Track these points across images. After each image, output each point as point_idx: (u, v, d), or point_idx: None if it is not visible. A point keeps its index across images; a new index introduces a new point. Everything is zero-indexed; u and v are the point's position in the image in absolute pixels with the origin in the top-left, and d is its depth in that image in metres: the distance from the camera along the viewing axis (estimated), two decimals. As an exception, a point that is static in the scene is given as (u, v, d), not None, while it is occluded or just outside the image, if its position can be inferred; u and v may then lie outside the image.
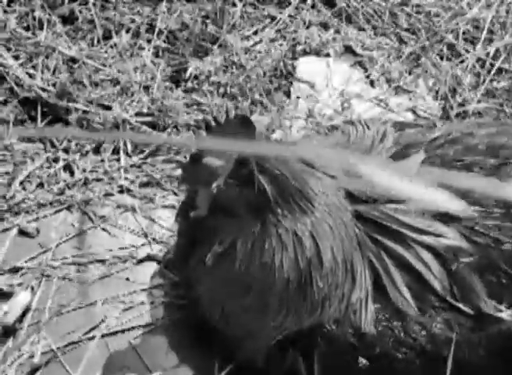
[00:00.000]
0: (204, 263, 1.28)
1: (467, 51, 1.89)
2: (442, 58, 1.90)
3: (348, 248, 1.25)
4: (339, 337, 1.26)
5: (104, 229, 1.58)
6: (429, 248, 1.26)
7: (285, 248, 1.22)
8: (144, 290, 1.49)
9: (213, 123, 1.22)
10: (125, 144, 1.70)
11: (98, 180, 1.65)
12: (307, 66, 1.91)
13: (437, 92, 1.85)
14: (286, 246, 1.22)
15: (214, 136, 1.21)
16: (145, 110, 1.75)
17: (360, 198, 1.28)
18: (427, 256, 1.27)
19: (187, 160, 1.26)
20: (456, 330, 1.24)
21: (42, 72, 1.76)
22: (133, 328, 1.44)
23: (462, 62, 1.89)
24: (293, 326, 1.26)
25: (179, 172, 1.56)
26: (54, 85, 1.76)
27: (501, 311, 1.25)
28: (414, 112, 1.82)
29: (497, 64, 1.86)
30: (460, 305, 1.25)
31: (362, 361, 1.27)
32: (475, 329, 1.24)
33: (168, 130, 1.73)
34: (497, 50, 1.87)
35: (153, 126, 1.74)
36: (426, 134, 1.41)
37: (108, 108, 1.74)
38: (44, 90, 1.76)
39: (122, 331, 1.44)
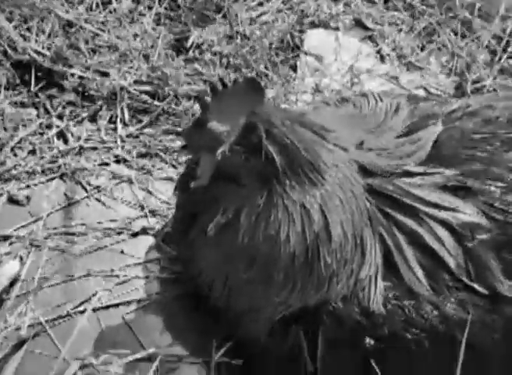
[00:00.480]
0: (206, 234, 1.23)
1: (483, 27, 1.86)
2: (456, 35, 1.86)
3: (358, 223, 1.20)
4: (345, 314, 1.21)
5: (98, 199, 1.54)
6: (444, 223, 1.21)
7: (292, 221, 1.17)
8: (138, 264, 1.45)
9: (219, 86, 1.17)
10: (122, 112, 1.66)
11: (94, 148, 1.61)
12: (314, 39, 1.87)
13: (450, 70, 1.81)
14: (293, 219, 1.17)
15: (220, 100, 1.17)
16: (144, 78, 1.70)
17: (373, 171, 1.24)
18: (441, 232, 1.22)
19: (190, 125, 1.21)
20: (470, 312, 1.19)
21: (37, 35, 1.71)
22: (126, 303, 1.40)
23: (477, 38, 1.85)
24: (298, 302, 1.21)
25: (180, 138, 1.53)
26: (49, 49, 1.71)
27: (518, 292, 1.19)
28: (425, 89, 1.77)
29: None
30: (475, 285, 1.20)
31: (369, 341, 1.21)
32: (490, 310, 1.20)
33: (168, 99, 1.68)
34: (514, 26, 1.82)
35: (152, 95, 1.69)
36: (443, 107, 1.36)
37: (106, 75, 1.70)
38: (38, 53, 1.70)
39: (115, 306, 1.39)
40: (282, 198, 1.18)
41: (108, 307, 1.39)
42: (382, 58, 1.85)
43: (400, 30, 1.88)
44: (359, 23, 1.90)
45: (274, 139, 1.17)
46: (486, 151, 1.25)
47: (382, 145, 1.26)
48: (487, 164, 1.24)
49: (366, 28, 1.90)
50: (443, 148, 1.26)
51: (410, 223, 1.22)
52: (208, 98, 1.18)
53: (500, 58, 1.80)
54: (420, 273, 1.20)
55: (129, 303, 1.40)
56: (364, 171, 1.23)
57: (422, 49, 1.85)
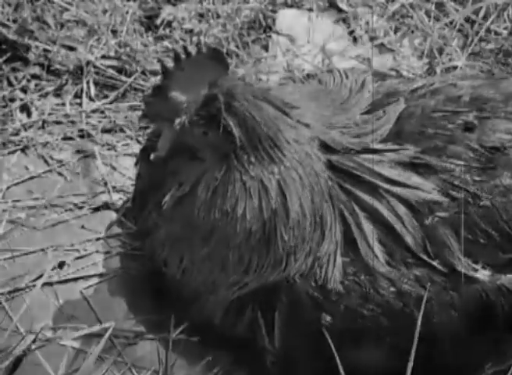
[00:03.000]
0: (161, 208, 1.22)
1: (456, 10, 1.84)
2: (429, 17, 1.82)
3: (318, 200, 1.19)
4: (302, 291, 1.20)
5: (60, 173, 1.51)
6: (403, 200, 1.20)
7: (249, 197, 1.16)
8: (99, 239, 1.43)
9: (182, 55, 1.16)
10: (88, 87, 1.62)
11: (57, 123, 1.58)
12: (287, 20, 1.83)
13: (422, 52, 1.79)
14: (251, 194, 1.16)
15: (182, 69, 1.16)
16: (112, 53, 1.67)
17: (334, 148, 1.22)
18: (401, 209, 1.20)
19: (150, 92, 1.19)
20: (427, 288, 1.17)
21: (3, 7, 1.67)
22: (85, 277, 1.38)
23: (451, 23, 1.83)
24: (254, 281, 1.20)
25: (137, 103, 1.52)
26: (14, 22, 1.67)
27: (476, 270, 1.19)
28: (397, 71, 1.75)
29: (486, 24, 1.80)
30: (433, 262, 1.18)
31: (326, 318, 1.20)
32: (448, 288, 1.18)
33: (135, 75, 1.65)
34: (487, 10, 1.81)
35: (119, 70, 1.66)
36: (408, 84, 1.35)
37: (72, 49, 1.66)
38: (3, 25, 1.67)
39: (74, 280, 1.37)
40: (240, 174, 1.16)
41: (66, 281, 1.37)
42: (355, 40, 1.83)
43: (373, 13, 1.86)
44: (333, 5, 1.86)
45: (234, 112, 1.15)
46: (447, 129, 1.23)
47: (345, 122, 1.24)
48: (447, 142, 1.22)
49: (340, 10, 1.86)
50: (404, 126, 1.24)
51: (369, 199, 1.21)
52: (171, 66, 1.16)
53: (472, 41, 1.78)
54: (378, 249, 1.19)
55: (88, 278, 1.38)
56: (326, 148, 1.21)
57: (395, 32, 1.84)
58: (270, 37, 1.78)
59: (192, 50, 1.17)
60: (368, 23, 1.82)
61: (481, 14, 1.80)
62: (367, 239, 1.20)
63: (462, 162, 1.21)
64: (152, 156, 1.21)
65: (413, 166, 1.21)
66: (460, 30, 1.81)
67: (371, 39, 1.80)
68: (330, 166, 1.20)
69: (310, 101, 1.28)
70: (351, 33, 1.83)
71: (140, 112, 1.50)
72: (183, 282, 1.24)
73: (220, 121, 1.14)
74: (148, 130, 1.48)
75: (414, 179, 1.21)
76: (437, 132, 1.23)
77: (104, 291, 1.37)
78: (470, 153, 1.21)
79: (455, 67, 1.75)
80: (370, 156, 1.22)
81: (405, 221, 1.19)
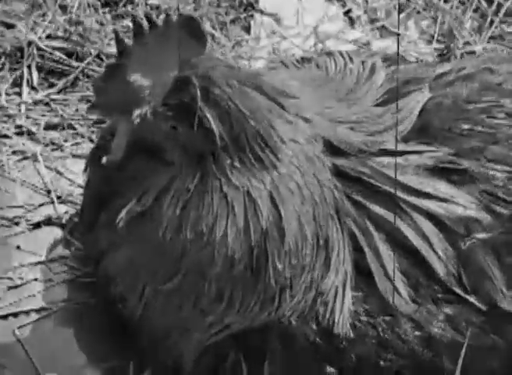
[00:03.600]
0: (115, 227, 1.08)
1: None
2: None
3: (322, 217, 1.06)
4: (300, 336, 1.05)
5: None
6: (432, 217, 1.07)
7: (232, 213, 1.03)
8: (39, 263, 1.30)
9: (145, 26, 1.03)
10: (30, 73, 1.51)
11: None
12: None
13: (432, 36, 1.67)
14: (234, 210, 1.03)
15: (145, 44, 1.03)
16: (60, 33, 1.55)
17: (343, 149, 1.09)
18: (428, 228, 1.08)
19: (103, 74, 1.06)
20: (463, 332, 1.05)
21: None
22: (20, 313, 1.24)
23: (463, 3, 1.71)
24: (237, 323, 1.05)
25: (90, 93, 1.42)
26: None
27: (525, 308, 1.07)
28: (403, 58, 1.57)
29: (507, 3, 1.67)
30: (470, 298, 1.06)
31: (331, 371, 1.05)
32: (488, 330, 1.06)
33: (89, 59, 1.54)
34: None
35: (69, 53, 1.55)
36: (430, 69, 1.21)
37: (10, 27, 1.56)
38: None
39: (5, 317, 1.24)
40: (220, 182, 1.03)
41: None
42: (352, 22, 1.72)
43: None
44: None
45: (213, 101, 1.01)
46: (487, 126, 1.11)
47: (354, 116, 1.12)
48: (487, 142, 1.10)
49: None
50: (431, 121, 1.12)
51: (387, 215, 1.07)
52: (129, 40, 1.03)
53: (492, 23, 1.66)
54: (399, 280, 1.06)
55: (23, 314, 1.25)
56: (332, 149, 1.09)
57: (399, 12, 1.73)
58: (252, 16, 1.70)
59: (158, 20, 1.04)
60: (366, 1, 1.74)
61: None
62: (385, 268, 1.06)
63: (507, 168, 1.09)
64: (104, 160, 1.08)
65: (443, 172, 1.09)
66: (475, 10, 1.70)
67: (371, 21, 1.72)
68: (337, 173, 1.08)
69: (308, 89, 1.16)
70: (347, 13, 1.74)
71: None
72: (145, 319, 1.11)
73: (195, 113, 1.01)
74: (102, 126, 1.40)
75: (446, 189, 1.08)
76: (474, 129, 1.11)
77: (45, 332, 1.23)
78: None
79: (471, 52, 1.64)
80: (388, 160, 1.09)
81: (434, 244, 1.06)
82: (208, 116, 1.01)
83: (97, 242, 1.12)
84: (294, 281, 1.04)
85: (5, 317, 1.23)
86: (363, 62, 1.21)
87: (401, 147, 1.09)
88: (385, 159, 1.08)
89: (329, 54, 1.27)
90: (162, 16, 1.04)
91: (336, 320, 1.03)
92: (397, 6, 1.72)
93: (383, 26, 1.70)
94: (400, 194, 1.06)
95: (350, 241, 1.05)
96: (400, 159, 1.08)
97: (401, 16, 1.71)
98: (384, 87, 1.16)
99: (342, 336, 1.02)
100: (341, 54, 1.25)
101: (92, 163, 1.19)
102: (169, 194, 1.05)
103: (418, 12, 1.71)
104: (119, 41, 1.02)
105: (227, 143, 1.02)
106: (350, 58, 1.23)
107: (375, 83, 1.17)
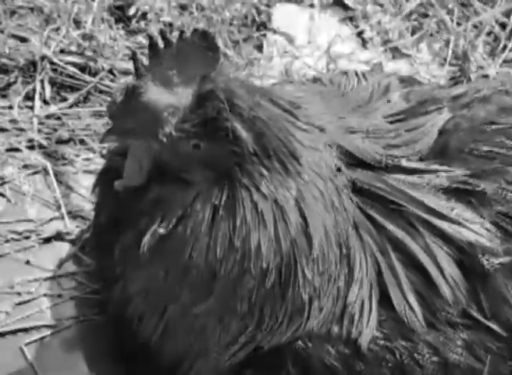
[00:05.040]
0: (138, 250, 1.03)
1: (484, 10, 1.70)
2: (452, 18, 1.70)
3: (343, 224, 1.03)
4: (316, 359, 1.00)
5: (1, 194, 1.37)
6: (447, 239, 1.04)
7: (262, 223, 0.99)
8: (49, 278, 1.28)
9: (160, 43, 1.00)
10: (42, 87, 1.50)
11: (1, 130, 1.44)
12: (285, 16, 1.72)
13: (444, 59, 1.65)
14: (264, 219, 0.99)
15: (161, 61, 1.00)
16: (73, 48, 1.54)
17: (359, 158, 1.06)
18: (444, 251, 1.04)
19: (119, 97, 1.01)
20: (481, 358, 1.01)
21: None
22: (27, 330, 1.22)
23: (476, 27, 1.69)
24: (264, 340, 1.01)
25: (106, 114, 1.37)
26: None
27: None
28: (416, 80, 1.54)
29: None
30: (489, 323, 1.03)
31: None
32: (508, 357, 1.03)
33: (101, 74, 1.52)
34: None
35: (82, 68, 1.54)
36: (445, 91, 1.19)
37: (24, 40, 1.54)
38: None
39: (12, 332, 1.22)
40: (250, 193, 0.99)
41: (3, 334, 1.21)
42: (364, 43, 1.71)
43: (386, 12, 1.74)
44: (338, 1, 1.75)
45: (238, 112, 0.98)
46: (504, 147, 1.08)
47: (367, 127, 1.10)
48: (505, 163, 1.07)
49: (346, 7, 1.75)
50: (450, 141, 1.10)
51: (403, 235, 1.03)
52: (145, 60, 1.00)
53: (505, 47, 1.63)
54: (416, 304, 1.02)
55: (31, 330, 1.22)
56: (348, 158, 1.06)
57: (412, 34, 1.70)
58: (265, 35, 1.69)
59: (172, 37, 1.01)
60: (379, 23, 1.72)
61: (514, 14, 1.72)
62: (402, 290, 1.02)
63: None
64: (118, 185, 1.04)
65: (460, 193, 1.06)
66: (488, 34, 1.68)
67: (384, 42, 1.70)
68: (353, 186, 1.05)
69: (318, 100, 1.14)
70: (360, 34, 1.73)
71: (105, 123, 1.44)
72: (162, 346, 1.06)
73: (221, 126, 0.97)
74: (109, 146, 1.36)
75: (462, 211, 1.05)
76: (493, 150, 1.08)
77: (53, 349, 1.21)
78: None
79: (485, 76, 1.61)
80: (404, 177, 1.06)
81: (448, 267, 1.03)
82: (237, 125, 0.97)
83: (117, 263, 1.07)
84: (322, 291, 0.99)
85: (12, 333, 1.21)
86: (378, 81, 1.19)
87: (418, 165, 1.06)
88: (401, 176, 1.05)
89: (344, 73, 1.26)
90: (176, 33, 1.03)
91: (362, 333, 0.99)
92: (410, 28, 1.69)
93: (395, 48, 1.68)
94: (413, 211, 1.03)
95: (370, 253, 1.02)
96: (415, 178, 1.05)
97: (413, 38, 1.68)
98: (399, 106, 1.13)
99: (364, 351, 0.98)
100: (356, 73, 1.23)
101: (102, 186, 1.14)
102: (194, 213, 1.00)
103: (431, 35, 1.69)
104: (135, 61, 0.99)
105: (256, 151, 0.99)
106: (364, 77, 1.21)
107: (388, 100, 1.14)
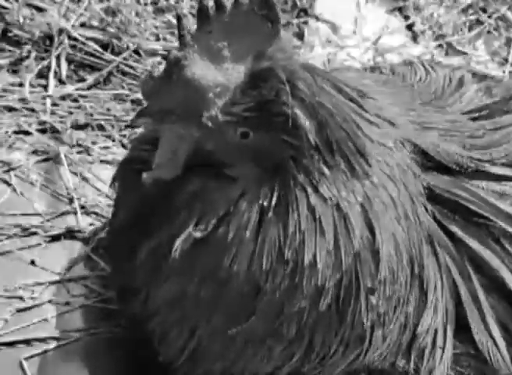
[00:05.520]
0: (168, 255, 0.94)
1: None
2: None
3: (417, 239, 0.94)
4: None
5: (7, 182, 1.29)
6: None
7: (320, 232, 0.89)
8: (56, 282, 1.20)
9: (212, 9, 0.90)
10: (58, 64, 1.43)
11: (10, 109, 1.37)
12: (329, 2, 1.65)
13: (505, 60, 1.57)
14: (323, 228, 0.89)
15: (211, 31, 0.90)
16: (95, 22, 1.48)
17: (436, 160, 0.97)
18: None
19: (156, 72, 0.92)
20: None
21: None
22: (29, 341, 1.14)
23: None
24: (312, 372, 0.91)
25: (137, 104, 1.33)
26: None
27: None
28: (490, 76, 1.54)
29: None
30: None
31: None
32: None
33: (125, 54, 1.45)
34: None
35: (104, 45, 1.47)
36: None
37: (40, 10, 1.49)
38: None
39: (11, 344, 1.14)
40: (307, 194, 0.89)
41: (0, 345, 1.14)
42: (415, 37, 1.63)
43: (441, 3, 1.66)
44: None
45: (299, 97, 0.88)
46: None
47: (445, 124, 1.02)
48: None
49: None
50: None
51: (486, 254, 0.94)
52: (191, 27, 0.91)
53: None
54: (500, 338, 0.92)
55: (32, 342, 1.14)
56: (423, 158, 0.97)
57: (469, 30, 1.63)
58: (306, 23, 1.62)
59: (226, 1, 0.92)
60: (432, 15, 1.65)
61: None
62: (485, 321, 0.92)
63: None
64: (146, 177, 0.94)
65: None
66: None
67: (436, 37, 1.63)
68: (429, 193, 0.97)
69: (384, 90, 1.05)
70: (410, 27, 1.66)
71: (130, 106, 1.40)
72: (190, 369, 0.97)
73: (277, 112, 0.87)
74: (134, 132, 1.34)
75: None
76: None
77: (57, 365, 1.13)
78: None
79: None
80: (487, 183, 0.99)
81: None
82: (297, 112, 0.87)
83: (140, 270, 0.99)
84: (387, 317, 0.90)
85: (11, 344, 1.12)
86: (449, 74, 1.10)
87: (506, 171, 0.97)
88: (487, 183, 0.96)
89: (409, 63, 1.18)
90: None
91: (434, 370, 0.90)
92: (467, 24, 1.62)
93: (450, 44, 1.62)
94: (503, 228, 0.94)
95: (446, 273, 0.92)
96: (504, 186, 0.97)
97: (470, 34, 1.63)
98: (480, 100, 1.04)
99: None
100: (422, 64, 1.15)
101: (124, 178, 1.05)
102: (237, 215, 0.91)
103: (489, 32, 1.63)
104: (180, 26, 0.89)
105: (317, 145, 0.89)
106: (433, 68, 1.12)
107: (464, 95, 1.05)
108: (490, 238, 0.95)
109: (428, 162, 0.96)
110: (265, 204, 0.90)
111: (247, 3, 0.90)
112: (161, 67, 1.33)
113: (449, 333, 0.92)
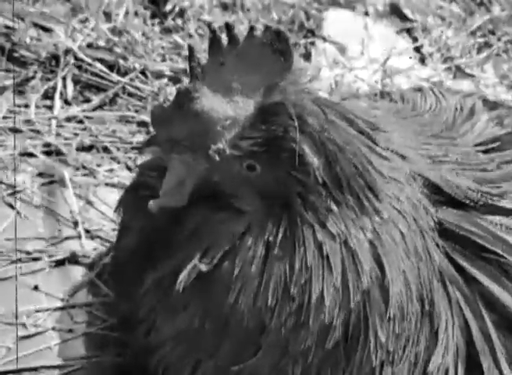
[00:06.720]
0: (172, 287, 0.92)
1: None
2: None
3: (427, 275, 0.92)
4: None
5: (10, 205, 1.28)
6: None
7: (327, 269, 0.87)
8: (59, 309, 1.18)
9: (223, 39, 0.91)
10: (64, 85, 1.42)
11: (15, 131, 1.36)
12: (337, 23, 1.64)
13: None
14: (330, 264, 0.88)
15: (223, 63, 0.90)
16: (102, 42, 1.47)
17: (447, 195, 0.95)
18: None
19: (167, 103, 0.93)
20: None
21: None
22: (32, 370, 1.12)
23: None
24: None
25: (145, 128, 1.34)
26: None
27: None
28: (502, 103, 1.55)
29: None
30: None
31: None
32: None
33: (132, 74, 1.45)
34: None
35: (110, 66, 1.46)
36: None
37: (47, 30, 1.49)
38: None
39: (14, 373, 1.11)
40: (314, 230, 0.88)
41: (3, 373, 1.11)
42: (423, 59, 1.62)
43: (449, 25, 1.66)
44: (395, 10, 1.69)
45: (309, 132, 0.87)
46: None
47: (456, 157, 0.99)
48: None
49: (403, 17, 1.69)
50: None
51: (498, 291, 0.92)
52: (203, 58, 0.90)
53: None
54: None
55: (35, 371, 1.12)
56: (434, 191, 0.95)
57: (478, 52, 1.62)
58: (313, 43, 1.62)
59: (239, 33, 0.91)
60: (440, 37, 1.64)
61: None
62: (496, 359, 0.89)
63: None
64: (153, 205, 0.94)
65: None
66: None
67: (445, 59, 1.63)
68: (440, 228, 0.95)
69: (395, 121, 1.03)
70: (418, 49, 1.65)
71: (137, 128, 1.40)
72: None
73: (285, 147, 0.86)
74: (141, 158, 1.32)
75: None
76: None
77: None
78: None
79: None
80: (501, 219, 0.96)
81: None
82: (305, 148, 0.87)
83: (143, 301, 0.96)
84: (397, 355, 0.88)
85: (13, 373, 1.09)
86: (460, 102, 1.08)
87: None
88: (499, 219, 0.94)
89: (418, 89, 1.16)
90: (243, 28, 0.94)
91: None
92: (475, 46, 1.61)
93: (458, 67, 1.60)
94: None
95: (457, 311, 0.90)
96: None
97: (479, 56, 1.61)
98: (491, 131, 1.02)
99: None
100: (432, 90, 1.13)
101: (130, 203, 1.04)
102: (244, 248, 0.89)
103: (498, 55, 1.62)
104: (191, 58, 0.88)
105: (325, 182, 0.88)
106: (443, 96, 1.10)
107: (475, 125, 1.03)
108: (501, 274, 0.92)
109: (439, 196, 0.94)
110: (271, 239, 0.89)
111: (260, 36, 0.89)
112: (169, 91, 1.35)
113: (460, 372, 0.89)
